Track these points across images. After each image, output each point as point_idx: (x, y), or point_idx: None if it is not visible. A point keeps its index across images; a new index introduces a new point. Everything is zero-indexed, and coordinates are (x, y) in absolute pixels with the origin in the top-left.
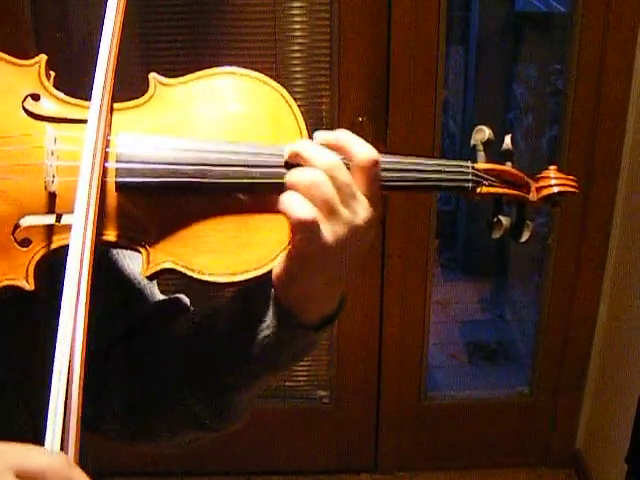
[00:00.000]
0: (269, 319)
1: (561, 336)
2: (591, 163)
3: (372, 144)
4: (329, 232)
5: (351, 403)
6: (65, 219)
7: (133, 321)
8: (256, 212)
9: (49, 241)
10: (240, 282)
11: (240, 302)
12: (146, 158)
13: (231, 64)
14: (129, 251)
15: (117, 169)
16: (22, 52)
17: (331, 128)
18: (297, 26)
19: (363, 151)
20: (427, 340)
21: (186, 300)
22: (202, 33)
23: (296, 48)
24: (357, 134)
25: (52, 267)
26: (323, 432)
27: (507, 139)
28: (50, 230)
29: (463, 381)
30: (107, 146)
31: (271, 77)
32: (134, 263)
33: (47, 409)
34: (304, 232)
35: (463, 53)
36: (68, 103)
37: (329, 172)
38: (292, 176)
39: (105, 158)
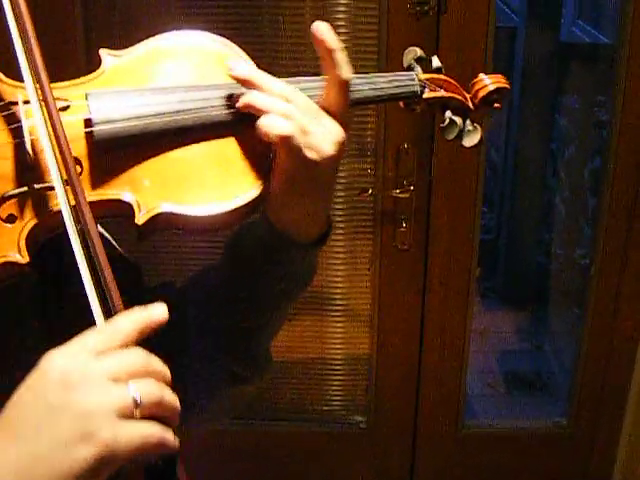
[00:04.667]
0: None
1: (600, 368)
2: (635, 196)
3: (416, 172)
4: (309, 146)
5: (388, 429)
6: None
7: None
8: (231, 138)
9: (35, 212)
10: (233, 210)
11: (233, 240)
12: (117, 106)
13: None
14: None
15: (90, 119)
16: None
17: (376, 154)
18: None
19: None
20: (466, 369)
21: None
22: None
23: None
24: (401, 161)
25: (47, 248)
26: (359, 457)
27: (435, 59)
28: (29, 201)
29: (500, 411)
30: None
31: None
32: None
33: None
34: (287, 148)
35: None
36: (4, 83)
37: (286, 97)
38: (265, 102)
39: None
